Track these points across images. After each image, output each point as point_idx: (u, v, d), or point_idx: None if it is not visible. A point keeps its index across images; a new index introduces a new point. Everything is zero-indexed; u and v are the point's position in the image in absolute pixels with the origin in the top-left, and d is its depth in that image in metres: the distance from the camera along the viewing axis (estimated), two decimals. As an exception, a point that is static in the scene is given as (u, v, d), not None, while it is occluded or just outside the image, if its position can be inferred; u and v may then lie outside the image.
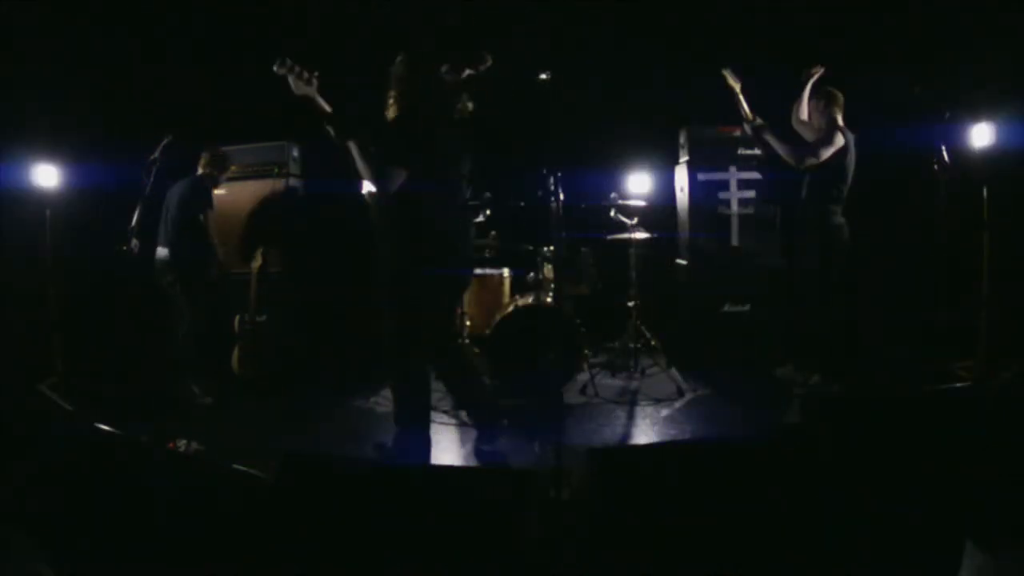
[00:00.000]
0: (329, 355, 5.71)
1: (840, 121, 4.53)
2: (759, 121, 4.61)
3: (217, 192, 5.01)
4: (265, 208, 5.63)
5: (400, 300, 3.26)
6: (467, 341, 5.02)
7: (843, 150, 4.48)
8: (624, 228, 5.11)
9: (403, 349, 3.30)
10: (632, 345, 5.18)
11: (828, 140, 4.46)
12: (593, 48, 5.92)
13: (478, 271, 5.39)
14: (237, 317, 5.11)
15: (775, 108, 4.71)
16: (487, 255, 5.27)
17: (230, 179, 5.45)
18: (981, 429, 2.30)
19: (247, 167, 5.64)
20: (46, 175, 4.57)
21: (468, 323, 5.08)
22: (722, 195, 5.48)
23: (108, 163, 4.73)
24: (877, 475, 2.16)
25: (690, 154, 5.56)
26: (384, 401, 4.56)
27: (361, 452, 3.69)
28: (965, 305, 4.57)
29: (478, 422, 3.65)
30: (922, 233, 4.83)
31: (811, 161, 4.48)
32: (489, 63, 3.31)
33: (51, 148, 4.71)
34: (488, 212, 4.97)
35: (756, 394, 4.66)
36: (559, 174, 3.23)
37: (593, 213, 5.10)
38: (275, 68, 2.93)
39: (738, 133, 5.44)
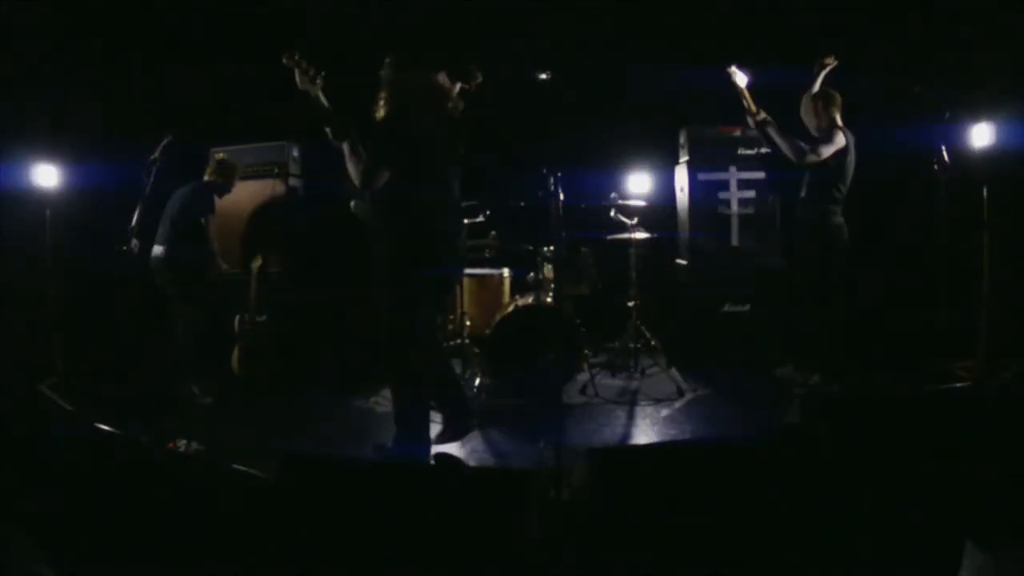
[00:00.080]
0: (329, 355, 5.71)
1: (839, 121, 4.54)
2: (763, 116, 4.61)
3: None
4: (265, 209, 5.63)
5: (394, 300, 3.27)
6: (467, 341, 5.03)
7: (843, 150, 4.48)
8: (624, 228, 5.11)
9: (400, 349, 3.31)
10: (632, 345, 5.18)
11: (829, 139, 4.47)
12: (593, 48, 5.92)
13: (478, 271, 5.40)
14: (237, 317, 5.11)
15: (775, 108, 4.70)
16: (487, 255, 5.27)
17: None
18: (981, 429, 2.30)
19: (247, 167, 5.64)
20: (46, 175, 4.57)
21: (468, 323, 5.08)
22: (722, 195, 5.48)
23: (108, 163, 4.73)
24: (877, 475, 2.16)
25: (690, 154, 5.56)
26: (384, 401, 4.56)
27: (361, 452, 3.69)
28: (965, 305, 4.57)
29: (448, 422, 3.62)
30: (922, 233, 4.83)
31: (812, 159, 4.48)
32: (480, 80, 3.34)
33: (51, 148, 4.71)
34: (488, 212, 4.97)
35: (756, 394, 4.66)
36: (559, 174, 3.23)
37: (593, 213, 5.10)
38: (283, 59, 2.97)
39: (738, 133, 5.44)
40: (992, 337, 4.32)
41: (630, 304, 5.13)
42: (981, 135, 4.33)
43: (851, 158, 4.53)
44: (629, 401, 4.63)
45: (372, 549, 2.00)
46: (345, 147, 3.15)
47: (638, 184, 5.49)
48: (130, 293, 5.08)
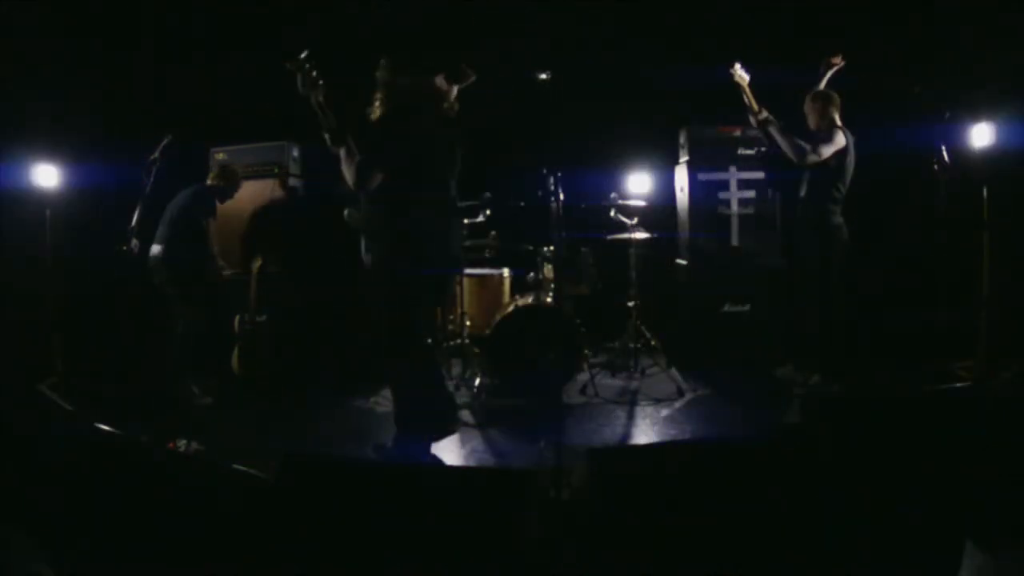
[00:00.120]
0: (329, 355, 5.71)
1: (838, 120, 4.54)
2: (764, 115, 4.60)
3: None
4: (265, 209, 5.63)
5: (392, 301, 3.28)
6: (467, 341, 5.03)
7: (843, 150, 4.49)
8: (624, 228, 5.11)
9: (398, 349, 3.31)
10: (632, 345, 5.18)
11: (829, 138, 4.47)
12: (593, 48, 5.92)
13: (478, 271, 5.40)
14: (237, 317, 5.11)
15: (775, 107, 4.70)
16: (487, 255, 5.27)
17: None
18: (981, 429, 2.30)
19: (247, 167, 5.64)
20: (46, 175, 4.57)
21: (468, 323, 5.08)
22: (722, 195, 5.48)
23: (108, 163, 4.72)
24: (877, 475, 2.16)
25: (690, 154, 5.56)
26: (384, 401, 4.56)
27: (361, 452, 3.69)
28: (965, 305, 4.57)
29: (430, 421, 3.59)
30: (922, 233, 4.84)
31: (813, 158, 4.48)
32: (472, 78, 3.34)
33: (51, 148, 4.71)
34: (488, 212, 4.97)
35: (756, 394, 4.66)
36: (559, 174, 3.23)
37: (593, 213, 5.10)
38: (287, 65, 2.97)
39: (738, 133, 5.44)
40: (992, 337, 4.32)
41: (630, 304, 5.13)
42: (981, 135, 4.33)
43: (851, 158, 4.53)
44: (629, 401, 4.63)
45: (372, 549, 2.00)
46: (342, 152, 3.17)
47: (638, 184, 5.49)
48: (130, 293, 5.07)
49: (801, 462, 2.16)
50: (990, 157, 4.36)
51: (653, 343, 5.24)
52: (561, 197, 3.26)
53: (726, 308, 5.37)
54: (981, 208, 4.37)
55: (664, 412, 4.38)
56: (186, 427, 3.77)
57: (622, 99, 5.94)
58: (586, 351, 4.97)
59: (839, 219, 4.54)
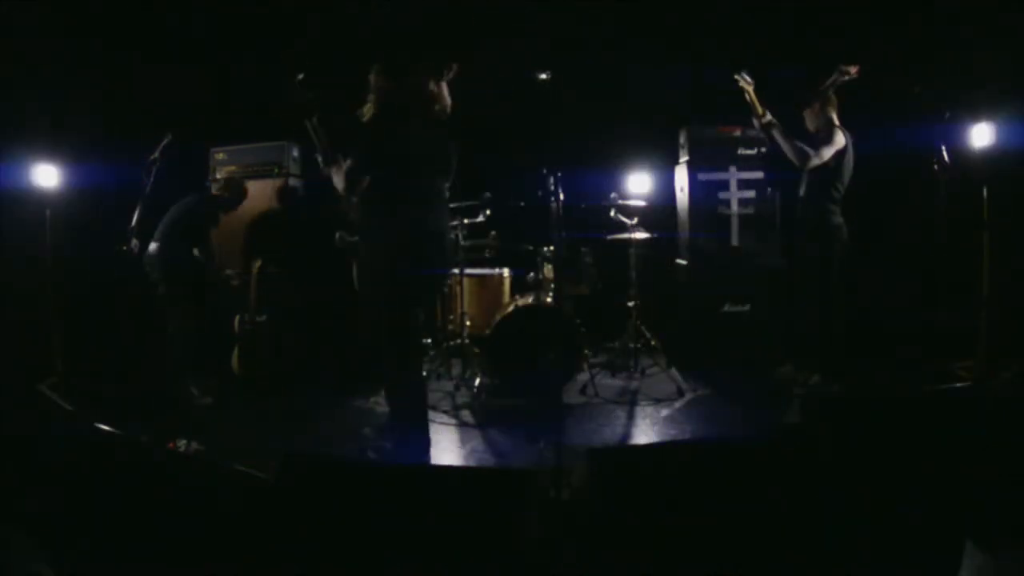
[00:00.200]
0: (329, 355, 5.71)
1: (836, 120, 4.54)
2: (768, 118, 4.60)
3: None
4: (265, 209, 5.63)
5: (385, 301, 3.30)
6: (467, 341, 5.03)
7: (842, 150, 4.49)
8: (624, 228, 5.11)
9: (398, 350, 3.33)
10: (632, 345, 5.18)
11: (829, 139, 4.48)
12: (593, 48, 5.92)
13: (478, 271, 5.40)
14: (237, 317, 5.11)
15: (774, 108, 4.70)
16: (487, 255, 5.27)
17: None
18: (981, 429, 2.30)
19: (247, 167, 5.64)
20: (46, 175, 4.56)
21: (468, 323, 5.08)
22: (722, 195, 5.48)
23: (108, 163, 4.72)
24: (877, 475, 2.16)
25: (690, 154, 5.56)
26: (384, 401, 4.55)
27: (361, 452, 3.69)
28: (965, 305, 4.57)
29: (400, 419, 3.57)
30: (922, 233, 4.83)
31: (815, 162, 4.49)
32: (456, 69, 3.39)
33: (51, 148, 4.71)
34: (488, 212, 4.97)
35: (756, 394, 4.66)
36: (559, 174, 3.24)
37: (593, 213, 5.10)
38: (307, 122, 3.28)
39: (738, 133, 5.44)
40: (992, 337, 4.32)
41: (630, 304, 5.13)
42: (981, 135, 4.33)
43: (849, 157, 4.53)
44: (629, 401, 4.63)
45: (372, 549, 2.00)
46: (332, 170, 3.34)
47: (638, 184, 5.49)
48: (130, 293, 5.07)
49: (801, 462, 2.16)
50: (990, 157, 4.35)
51: (653, 343, 5.24)
52: (561, 197, 3.27)
53: (726, 308, 5.37)
54: (981, 208, 4.37)
55: (664, 412, 4.38)
56: (186, 427, 3.77)
57: (622, 99, 5.94)
58: (586, 351, 4.97)
59: (839, 219, 4.54)
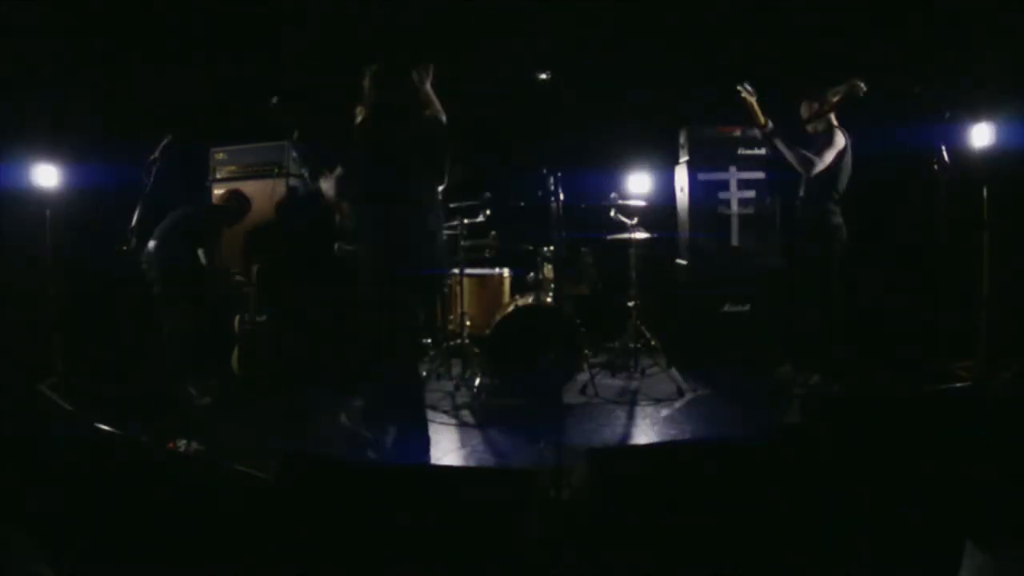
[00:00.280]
0: (329, 355, 5.70)
1: (835, 121, 4.54)
2: (771, 127, 4.59)
3: (217, 192, 5.03)
4: (265, 209, 5.62)
5: (380, 303, 3.30)
6: (467, 341, 5.03)
7: (842, 151, 4.49)
8: (624, 228, 5.11)
9: (396, 350, 3.33)
10: (632, 345, 5.18)
11: (829, 142, 4.48)
12: (593, 48, 5.92)
13: (478, 271, 5.40)
14: (237, 317, 5.10)
15: (774, 108, 4.70)
16: (487, 255, 5.27)
17: (230, 179, 5.47)
18: (981, 429, 2.30)
19: (247, 167, 5.63)
20: (46, 175, 4.56)
21: (468, 323, 5.08)
22: (722, 195, 5.48)
23: (108, 163, 4.72)
24: (877, 475, 2.16)
25: (690, 154, 5.55)
26: (361, 395, 4.55)
27: (361, 452, 3.69)
28: (965, 305, 4.56)
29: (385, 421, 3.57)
30: (922, 233, 4.83)
31: (819, 168, 4.49)
32: (430, 70, 3.41)
33: (51, 148, 4.71)
34: (488, 212, 4.97)
35: (756, 394, 4.66)
36: (559, 174, 3.24)
37: (593, 213, 5.10)
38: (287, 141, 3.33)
39: (738, 133, 5.44)
40: (992, 337, 4.32)
41: (630, 304, 5.13)
42: (981, 135, 4.33)
43: (848, 158, 4.53)
44: (629, 401, 4.63)
45: (372, 549, 2.00)
46: (320, 182, 3.41)
47: (638, 184, 5.48)
48: (130, 293, 5.06)
49: (801, 462, 2.16)
50: (990, 157, 4.35)
51: (653, 343, 5.24)
52: (561, 197, 3.27)
53: (726, 308, 5.37)
54: (981, 208, 4.37)
55: (664, 412, 4.38)
56: (186, 427, 3.76)
57: (622, 99, 5.93)
58: (586, 351, 4.97)
59: (839, 219, 4.54)
